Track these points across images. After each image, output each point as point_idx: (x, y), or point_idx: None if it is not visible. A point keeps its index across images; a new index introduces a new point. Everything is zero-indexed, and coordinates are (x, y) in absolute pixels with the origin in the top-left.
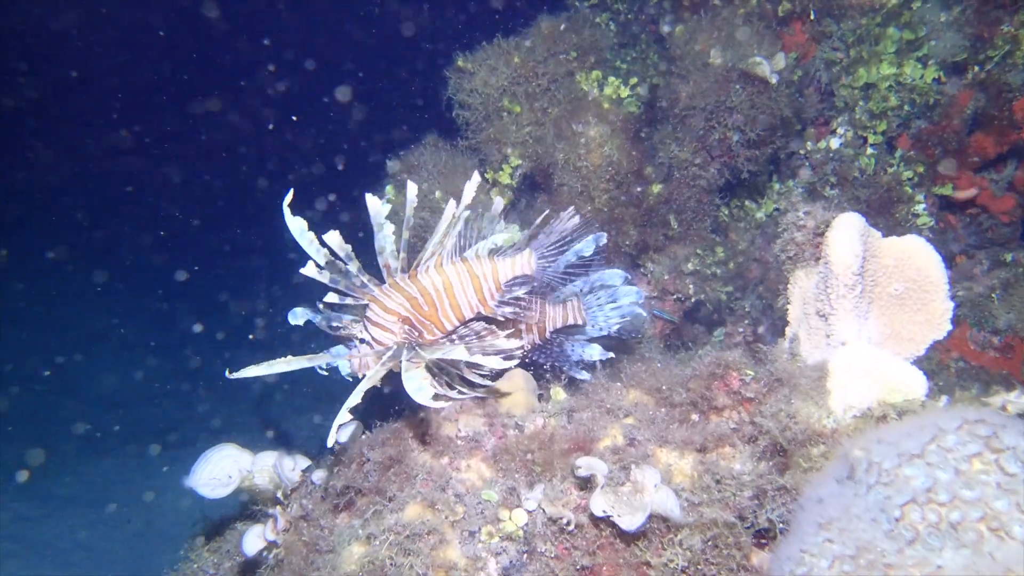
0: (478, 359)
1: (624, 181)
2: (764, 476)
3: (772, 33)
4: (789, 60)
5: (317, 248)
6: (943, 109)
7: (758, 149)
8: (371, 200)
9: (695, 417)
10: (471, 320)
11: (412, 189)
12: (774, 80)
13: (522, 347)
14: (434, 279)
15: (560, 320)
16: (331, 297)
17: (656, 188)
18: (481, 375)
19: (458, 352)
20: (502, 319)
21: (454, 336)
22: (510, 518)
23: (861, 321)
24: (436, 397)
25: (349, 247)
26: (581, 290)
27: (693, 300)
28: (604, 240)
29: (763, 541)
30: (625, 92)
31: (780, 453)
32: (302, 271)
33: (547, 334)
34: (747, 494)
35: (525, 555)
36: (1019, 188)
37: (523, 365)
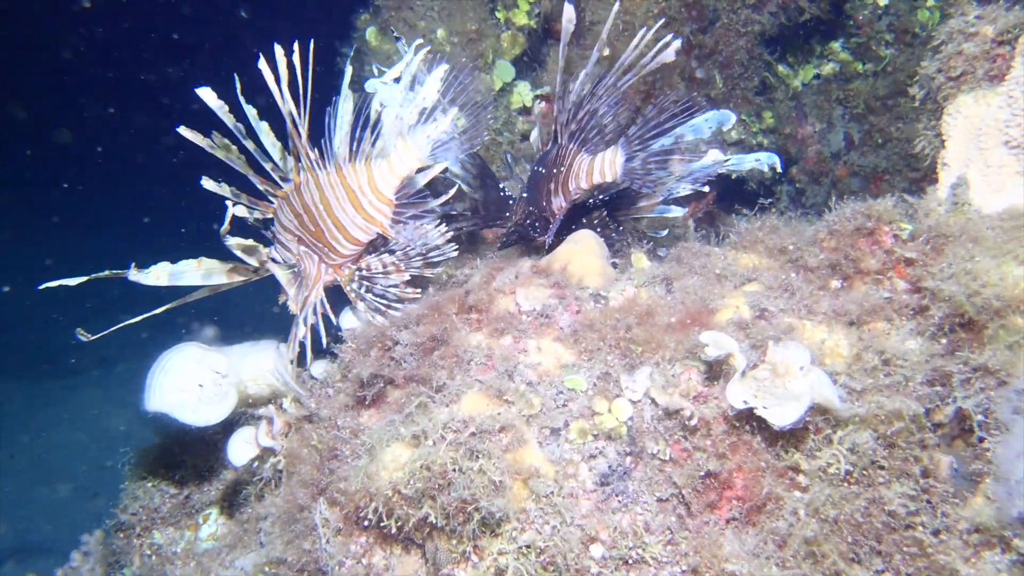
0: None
1: (676, 17)
2: (946, 356)
3: None
4: None
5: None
6: None
7: None
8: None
9: (835, 283)
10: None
11: (209, 96)
12: None
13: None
14: (312, 193)
15: (585, 178)
16: (242, 212)
17: (697, 36)
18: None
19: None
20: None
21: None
22: (609, 410)
23: None
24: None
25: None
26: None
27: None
28: (732, 120)
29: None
30: None
31: (962, 327)
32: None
33: (575, 193)
34: (919, 378)
35: (629, 458)
36: None
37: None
